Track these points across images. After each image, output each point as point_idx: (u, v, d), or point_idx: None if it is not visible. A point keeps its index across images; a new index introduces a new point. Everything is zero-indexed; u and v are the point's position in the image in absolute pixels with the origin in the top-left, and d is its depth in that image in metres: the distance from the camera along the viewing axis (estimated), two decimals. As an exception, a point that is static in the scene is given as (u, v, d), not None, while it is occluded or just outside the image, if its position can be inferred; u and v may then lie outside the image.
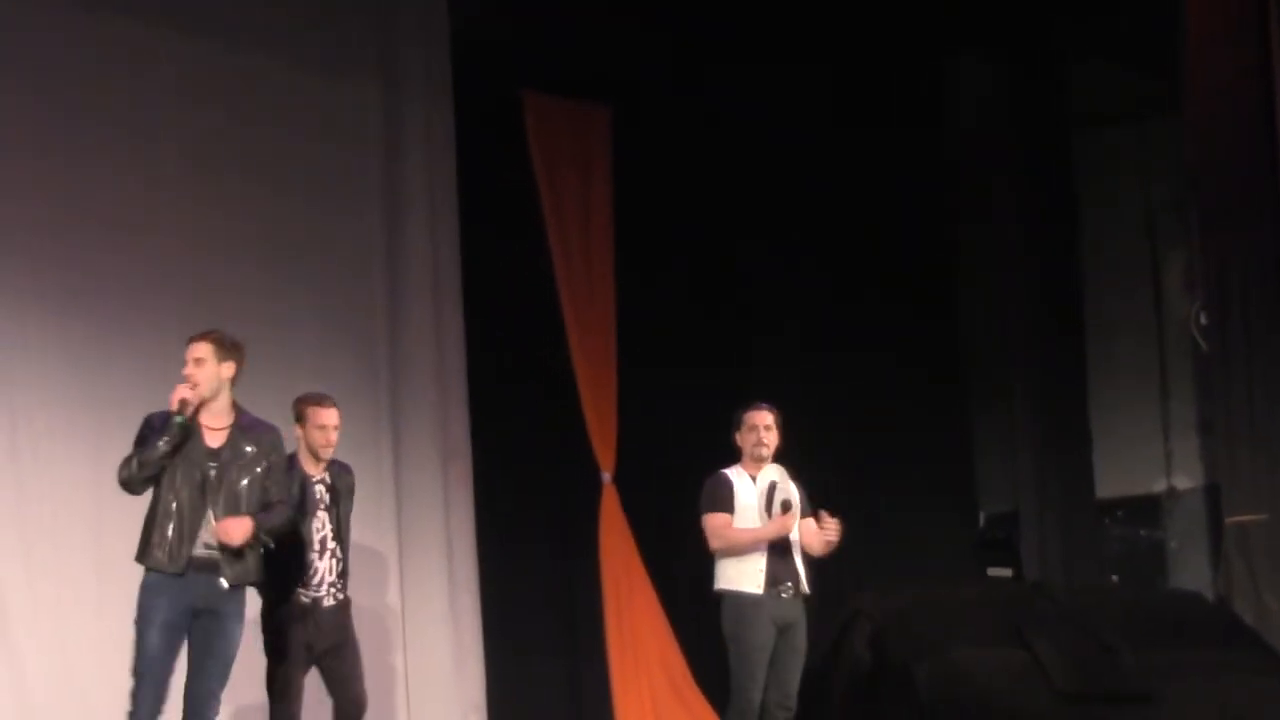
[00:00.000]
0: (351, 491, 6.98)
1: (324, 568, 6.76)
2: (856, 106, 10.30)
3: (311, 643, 6.72)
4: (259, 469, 6.17)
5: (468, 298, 9.07)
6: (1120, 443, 10.69)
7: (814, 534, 7.38)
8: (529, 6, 9.07)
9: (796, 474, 7.52)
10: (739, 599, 7.25)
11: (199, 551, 6.02)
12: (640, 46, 9.65)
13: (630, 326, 9.60)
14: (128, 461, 6.07)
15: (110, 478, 6.17)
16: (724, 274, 10.10)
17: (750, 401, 7.56)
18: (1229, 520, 8.71)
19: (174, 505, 6.01)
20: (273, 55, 8.49)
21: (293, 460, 6.72)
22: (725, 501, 7.37)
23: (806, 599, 7.36)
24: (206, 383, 6.09)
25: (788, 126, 10.10)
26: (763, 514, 7.35)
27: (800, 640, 7.26)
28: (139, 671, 5.97)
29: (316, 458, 6.83)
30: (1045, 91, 10.66)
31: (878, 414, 10.22)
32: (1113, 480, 10.64)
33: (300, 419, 6.87)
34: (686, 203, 9.76)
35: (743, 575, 7.27)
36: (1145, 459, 10.74)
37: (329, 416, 6.84)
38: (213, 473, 6.07)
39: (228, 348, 6.16)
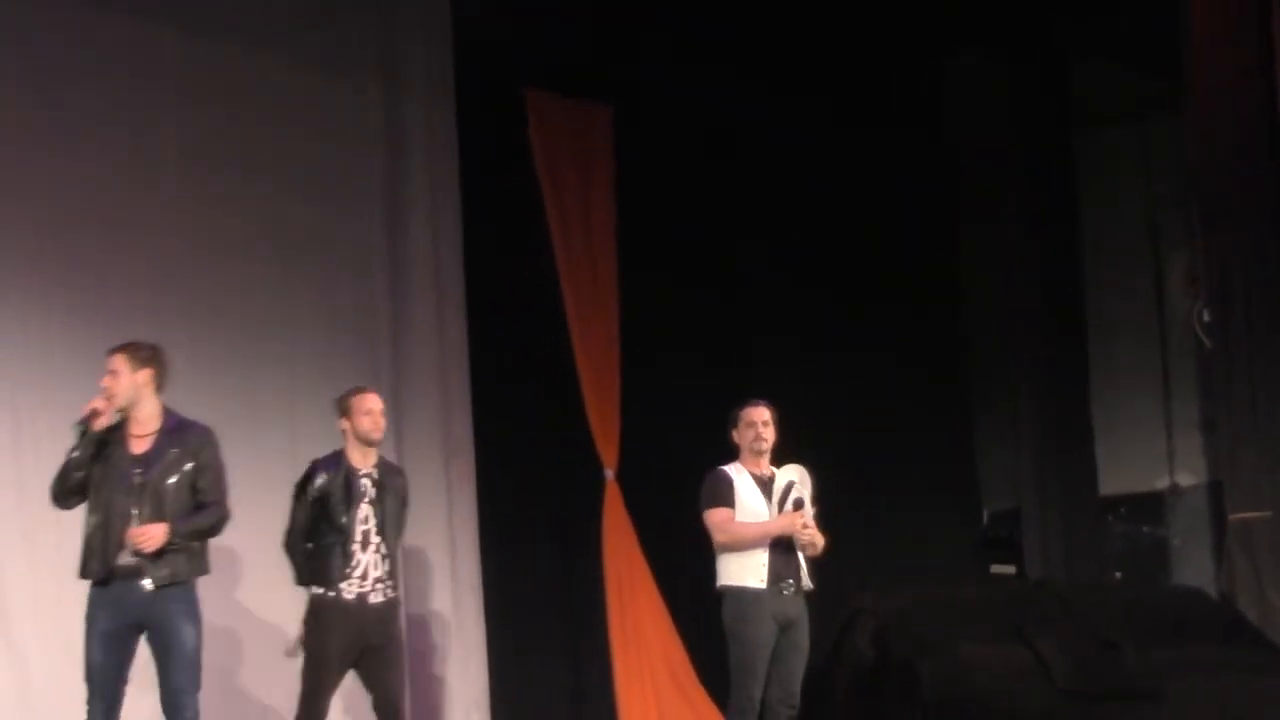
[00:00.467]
0: (401, 495, 7.04)
1: (367, 561, 6.81)
2: (857, 106, 10.29)
3: (354, 641, 6.76)
4: (186, 467, 6.26)
5: (470, 296, 9.07)
6: (1122, 440, 10.69)
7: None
8: (530, 4, 9.06)
9: (814, 473, 7.54)
10: (740, 595, 7.25)
11: (124, 560, 6.14)
12: (642, 45, 9.65)
13: (633, 324, 9.59)
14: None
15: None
16: (727, 272, 10.09)
17: (746, 399, 7.58)
18: (1232, 517, 8.72)
19: (102, 516, 6.15)
20: (274, 54, 8.49)
21: (339, 455, 6.89)
22: (725, 497, 7.36)
23: (809, 596, 7.36)
24: (122, 393, 6.23)
25: (789, 126, 10.10)
26: (774, 511, 7.36)
27: (802, 637, 7.26)
28: (88, 683, 6.15)
29: (367, 445, 6.93)
30: (1046, 91, 10.65)
31: (880, 413, 10.22)
32: (1115, 477, 10.64)
33: (345, 412, 7.00)
34: (688, 201, 9.75)
35: (745, 571, 7.26)
36: (1148, 456, 10.74)
37: (373, 401, 6.99)
38: (137, 478, 6.19)
39: (142, 357, 6.29)
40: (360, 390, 7.08)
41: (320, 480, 6.83)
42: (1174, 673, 4.91)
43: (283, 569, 7.02)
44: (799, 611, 7.30)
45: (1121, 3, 10.08)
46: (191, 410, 6.51)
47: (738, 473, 7.45)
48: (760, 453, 7.44)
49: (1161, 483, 10.76)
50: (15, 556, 7.26)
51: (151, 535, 6.09)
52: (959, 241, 11.10)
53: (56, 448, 7.43)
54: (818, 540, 7.34)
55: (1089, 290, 10.80)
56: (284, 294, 8.39)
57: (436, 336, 8.91)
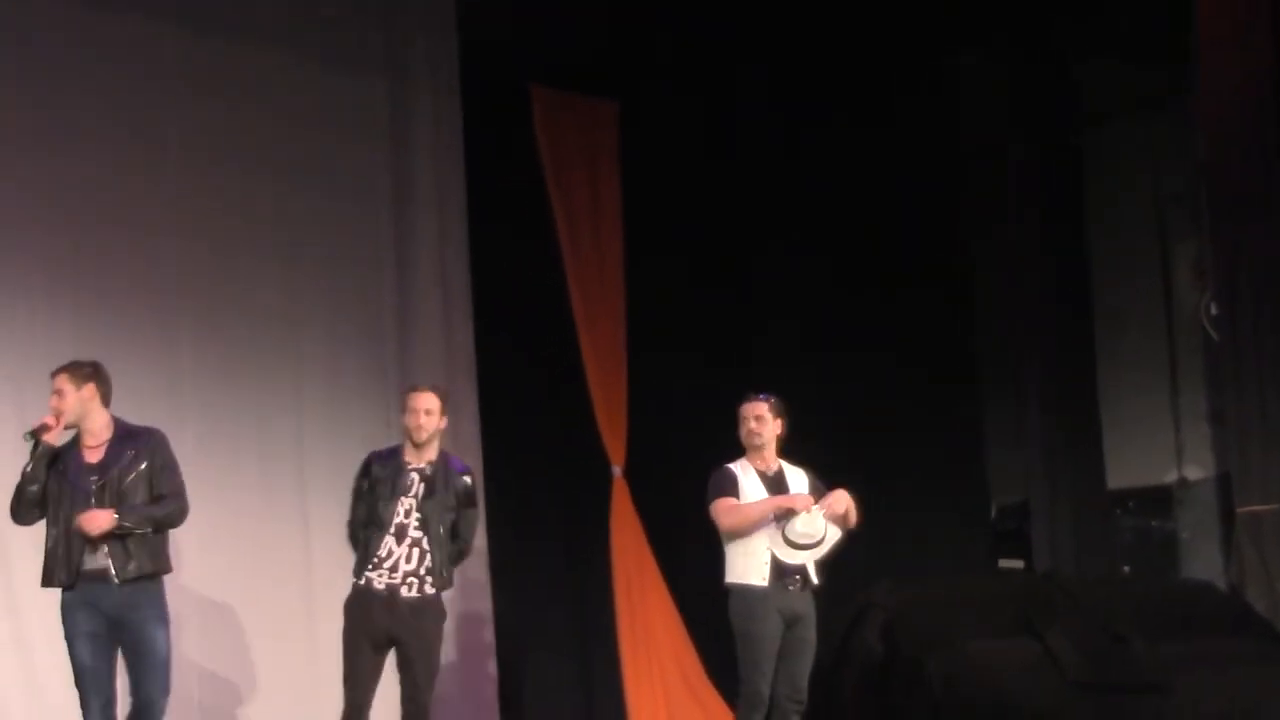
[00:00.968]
0: (461, 494, 7.01)
1: (400, 554, 6.83)
2: (859, 105, 10.27)
3: (383, 631, 6.79)
4: (143, 465, 6.43)
5: (476, 292, 9.07)
6: (1131, 433, 10.67)
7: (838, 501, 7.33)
8: (536, 0, 9.06)
9: (817, 475, 7.52)
10: (746, 592, 7.24)
11: (90, 565, 6.30)
12: (647, 42, 9.64)
13: (640, 320, 9.58)
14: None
15: (116, 474, 6.30)
16: (734, 269, 10.08)
17: (744, 394, 7.57)
18: (1241, 510, 8.69)
19: (62, 528, 6.30)
20: (278, 51, 8.50)
21: (397, 450, 6.98)
22: (729, 490, 7.36)
23: (815, 592, 7.35)
24: (70, 410, 6.43)
25: (793, 123, 10.08)
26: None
27: (809, 633, 7.26)
28: (79, 685, 6.29)
29: (413, 443, 6.96)
30: (1048, 89, 10.63)
31: (887, 409, 10.19)
32: (1124, 471, 10.62)
33: (402, 409, 7.10)
34: (694, 198, 9.74)
35: (750, 568, 7.25)
36: (1156, 449, 10.72)
37: (419, 400, 7.01)
38: (96, 484, 6.35)
39: (84, 374, 6.50)
40: (413, 388, 7.14)
41: (374, 472, 6.93)
42: (1183, 665, 4.89)
43: (290, 564, 7.03)
44: (806, 607, 7.29)
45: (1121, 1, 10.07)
46: (197, 408, 6.54)
47: (743, 469, 7.44)
48: (757, 447, 7.43)
49: (1170, 476, 10.74)
50: (25, 554, 7.25)
51: (96, 518, 6.25)
52: (965, 239, 11.08)
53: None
54: (837, 505, 7.28)
55: (1096, 284, 10.78)
56: (289, 291, 8.39)
57: (442, 333, 8.91)
